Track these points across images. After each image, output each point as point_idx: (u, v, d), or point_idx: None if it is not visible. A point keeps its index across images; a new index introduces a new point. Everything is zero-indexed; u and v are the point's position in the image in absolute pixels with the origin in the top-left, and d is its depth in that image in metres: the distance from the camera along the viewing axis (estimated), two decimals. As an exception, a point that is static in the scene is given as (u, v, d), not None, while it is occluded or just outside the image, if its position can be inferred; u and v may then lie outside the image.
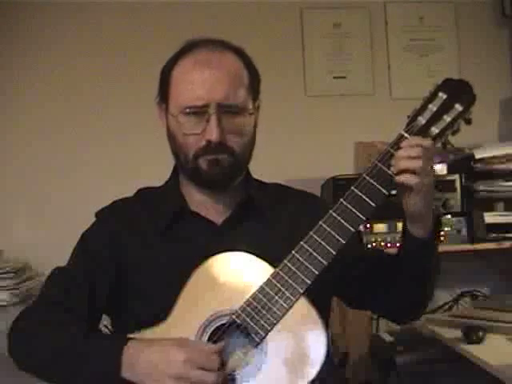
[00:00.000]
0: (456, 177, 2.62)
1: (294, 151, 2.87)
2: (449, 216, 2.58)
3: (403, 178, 1.23)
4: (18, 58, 2.80)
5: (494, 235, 2.58)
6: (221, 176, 1.37)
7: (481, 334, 2.10)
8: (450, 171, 2.63)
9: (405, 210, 1.29)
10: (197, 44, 1.39)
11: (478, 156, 2.64)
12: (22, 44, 2.80)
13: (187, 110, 1.34)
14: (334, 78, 2.99)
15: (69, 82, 2.81)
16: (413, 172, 1.23)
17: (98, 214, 1.48)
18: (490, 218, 2.60)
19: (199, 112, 1.33)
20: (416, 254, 1.32)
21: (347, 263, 1.36)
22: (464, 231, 2.58)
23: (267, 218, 1.42)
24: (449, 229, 2.56)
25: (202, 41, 1.40)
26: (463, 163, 2.66)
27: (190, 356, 1.18)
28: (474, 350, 2.02)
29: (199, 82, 1.33)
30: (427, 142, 1.24)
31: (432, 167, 1.26)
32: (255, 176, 1.50)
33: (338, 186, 2.55)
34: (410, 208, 1.27)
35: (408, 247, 1.34)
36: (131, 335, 1.26)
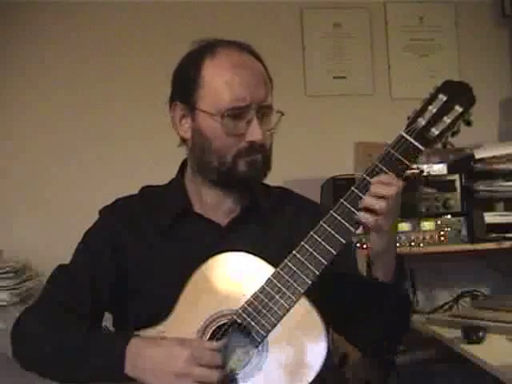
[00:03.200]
0: (456, 177, 2.62)
1: (294, 151, 2.87)
2: (449, 216, 2.59)
3: (361, 216, 1.24)
4: (17, 57, 2.80)
5: (494, 235, 2.58)
6: (257, 176, 1.38)
7: (481, 333, 2.10)
8: (450, 171, 2.63)
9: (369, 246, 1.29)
10: (220, 45, 1.38)
11: (477, 156, 2.64)
12: (22, 44, 2.80)
13: (229, 112, 1.32)
14: (334, 77, 2.99)
15: (69, 81, 2.81)
16: (375, 212, 1.23)
17: (100, 213, 1.48)
18: (490, 217, 2.60)
19: (240, 113, 1.33)
20: (374, 292, 1.31)
21: (335, 281, 1.33)
22: (464, 231, 2.58)
23: (270, 221, 1.42)
24: (449, 229, 2.56)
25: (223, 41, 1.39)
26: (463, 163, 2.66)
27: (193, 353, 1.18)
28: (474, 350, 2.02)
29: (240, 82, 1.32)
30: (399, 183, 1.23)
31: (398, 209, 1.25)
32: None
33: (338, 186, 2.55)
34: (371, 244, 1.28)
35: (366, 286, 1.33)
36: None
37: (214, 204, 1.42)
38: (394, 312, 1.36)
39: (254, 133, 1.32)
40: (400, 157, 1.26)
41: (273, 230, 1.41)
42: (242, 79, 1.33)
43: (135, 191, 1.52)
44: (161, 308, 1.27)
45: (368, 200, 1.23)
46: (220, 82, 1.33)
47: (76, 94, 2.81)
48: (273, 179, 1.54)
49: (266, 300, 1.23)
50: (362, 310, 1.34)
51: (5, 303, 2.34)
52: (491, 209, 2.67)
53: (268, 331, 1.22)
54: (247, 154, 1.34)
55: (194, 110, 1.36)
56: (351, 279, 1.38)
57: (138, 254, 1.39)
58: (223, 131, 1.33)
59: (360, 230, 1.26)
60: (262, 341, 1.22)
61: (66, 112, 2.80)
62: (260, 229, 1.41)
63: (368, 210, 1.23)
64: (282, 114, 1.40)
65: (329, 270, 1.24)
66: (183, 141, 1.43)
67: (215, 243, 1.35)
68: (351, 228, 1.24)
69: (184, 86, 1.38)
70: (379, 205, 1.22)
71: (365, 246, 2.45)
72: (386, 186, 1.23)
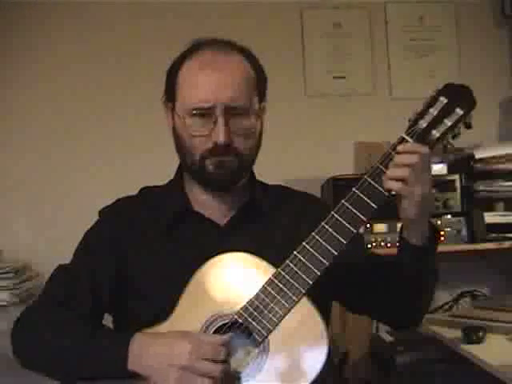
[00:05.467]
0: (456, 177, 2.62)
1: (294, 151, 2.87)
2: (449, 216, 2.59)
3: (390, 185, 1.24)
4: (18, 58, 2.80)
5: (493, 235, 2.58)
6: (227, 178, 1.37)
7: (481, 333, 2.10)
8: (450, 171, 2.64)
9: (399, 214, 1.29)
10: (203, 44, 1.39)
11: (477, 156, 2.64)
12: (22, 44, 2.80)
13: (194, 112, 1.34)
14: (334, 77, 2.99)
15: (69, 82, 2.81)
16: (402, 180, 1.23)
17: (100, 213, 1.48)
18: (490, 217, 2.60)
19: (206, 114, 1.33)
20: (409, 260, 1.32)
21: (348, 267, 1.36)
22: (464, 231, 2.58)
23: (269, 220, 1.43)
24: (449, 229, 2.56)
25: (208, 41, 1.40)
26: (463, 163, 2.66)
27: (196, 347, 1.18)
28: (474, 350, 2.02)
29: (205, 83, 1.33)
30: (424, 149, 1.24)
31: (428, 176, 1.26)
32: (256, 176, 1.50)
33: (337, 186, 2.55)
34: (402, 214, 1.28)
35: (401, 253, 1.35)
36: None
37: (208, 203, 1.42)
38: (427, 275, 1.36)
39: (217, 134, 1.32)
40: None
41: (272, 228, 1.42)
42: (207, 79, 1.33)
43: (135, 191, 1.52)
44: (161, 308, 1.27)
45: (393, 170, 1.24)
46: (188, 83, 1.36)
47: (76, 95, 2.81)
48: (273, 179, 1.54)
49: (267, 300, 1.23)
50: (390, 283, 1.36)
51: (5, 303, 2.34)
52: (491, 209, 2.67)
53: (269, 331, 1.22)
54: (213, 155, 1.34)
55: (173, 110, 1.40)
56: (369, 258, 1.43)
57: (138, 254, 1.39)
58: (188, 131, 1.35)
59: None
60: (263, 341, 1.22)
61: (66, 112, 2.80)
62: (260, 227, 1.41)
63: (393, 179, 1.24)
64: (259, 116, 1.39)
65: (346, 255, 1.25)
66: None
67: (215, 243, 1.36)
68: (352, 229, 1.25)
69: (167, 88, 1.42)
70: (405, 172, 1.22)
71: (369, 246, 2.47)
72: (409, 154, 1.24)
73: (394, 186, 1.24)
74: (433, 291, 1.43)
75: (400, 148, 1.25)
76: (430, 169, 1.26)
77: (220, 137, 1.32)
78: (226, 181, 1.38)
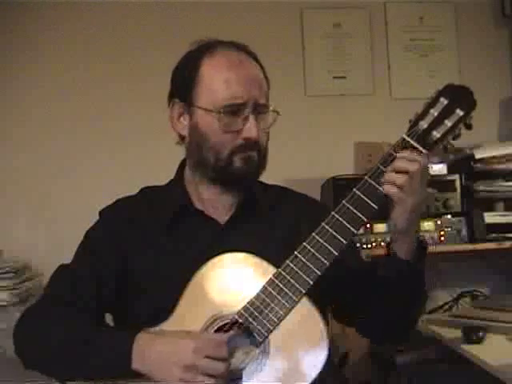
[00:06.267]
0: (456, 177, 2.62)
1: (294, 151, 2.87)
2: (449, 216, 2.59)
3: (386, 188, 1.25)
4: (18, 58, 2.79)
5: (493, 235, 2.58)
6: (252, 173, 1.39)
7: (481, 334, 2.10)
8: (450, 171, 2.63)
9: (390, 220, 1.30)
10: (218, 45, 1.41)
11: (477, 156, 2.64)
12: (22, 44, 2.80)
13: (225, 109, 1.35)
14: (334, 77, 2.98)
15: (69, 82, 2.80)
16: (398, 186, 1.24)
17: (101, 213, 1.48)
18: (490, 218, 2.60)
19: (236, 110, 1.35)
20: (394, 274, 1.32)
21: (336, 277, 1.33)
22: (464, 231, 2.58)
23: (269, 219, 1.43)
24: (449, 229, 2.56)
25: (222, 42, 1.42)
26: (463, 163, 2.66)
27: (199, 346, 1.19)
28: (474, 350, 2.02)
29: (237, 80, 1.36)
30: (424, 161, 1.25)
31: (423, 189, 1.26)
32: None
33: (338, 186, 2.55)
34: (393, 220, 1.29)
35: (387, 264, 1.34)
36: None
37: (212, 201, 1.43)
38: (412, 291, 1.35)
39: (250, 130, 1.35)
40: None
41: (272, 227, 1.42)
42: (238, 78, 1.36)
43: (135, 191, 1.52)
44: (162, 308, 1.27)
45: (390, 174, 1.25)
46: (218, 80, 1.36)
47: (76, 95, 2.81)
48: (273, 179, 1.54)
49: (268, 300, 1.23)
50: (376, 297, 1.34)
51: (5, 303, 2.34)
52: (491, 209, 2.67)
53: (269, 331, 1.22)
54: (242, 151, 1.36)
55: (192, 107, 1.39)
56: (360, 269, 1.41)
57: (139, 254, 1.39)
58: (220, 127, 1.36)
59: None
60: (264, 341, 1.22)
61: (67, 112, 2.80)
62: (259, 226, 1.42)
63: (391, 184, 1.25)
64: (278, 114, 1.42)
65: (336, 264, 1.25)
66: (181, 139, 1.45)
67: (216, 242, 1.36)
68: (352, 229, 1.25)
69: (182, 84, 1.41)
70: (401, 179, 1.23)
71: (364, 247, 2.46)
72: (409, 161, 1.24)
73: (390, 190, 1.25)
74: (418, 308, 1.43)
75: (402, 153, 1.25)
76: (426, 181, 1.27)
77: (253, 133, 1.35)
78: (251, 176, 1.40)
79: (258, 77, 1.40)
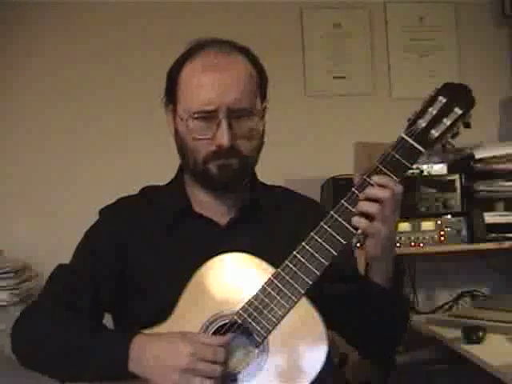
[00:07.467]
0: (456, 177, 2.62)
1: (294, 151, 2.87)
2: (449, 216, 2.58)
3: (354, 221, 1.24)
4: (18, 58, 2.79)
5: (493, 235, 2.58)
6: (230, 180, 1.37)
7: (481, 334, 2.10)
8: (450, 171, 2.63)
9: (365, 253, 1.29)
10: (204, 45, 1.38)
11: (477, 156, 2.64)
12: (22, 45, 2.80)
13: (196, 115, 1.33)
14: (334, 77, 2.98)
15: (69, 82, 2.81)
16: (369, 216, 1.23)
17: (101, 212, 1.48)
18: (490, 218, 2.60)
19: (209, 116, 1.33)
20: (371, 298, 1.32)
21: (331, 279, 1.32)
22: (464, 231, 2.57)
23: (269, 220, 1.43)
24: (449, 229, 2.56)
25: (208, 42, 1.39)
26: (463, 163, 2.66)
27: (196, 349, 1.18)
28: (474, 350, 2.02)
29: (208, 85, 1.32)
30: (398, 188, 1.24)
31: (395, 217, 1.25)
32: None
33: (338, 186, 2.55)
34: (367, 248, 1.28)
35: (364, 289, 1.33)
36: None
37: (208, 204, 1.42)
38: (393, 316, 1.36)
39: (220, 137, 1.32)
40: (400, 158, 1.26)
41: (273, 229, 1.42)
42: (210, 82, 1.32)
43: (135, 191, 1.52)
44: (161, 308, 1.27)
45: (362, 203, 1.24)
46: (191, 85, 1.35)
47: (76, 94, 2.81)
48: (273, 179, 1.54)
49: (267, 300, 1.23)
50: (362, 312, 1.34)
51: (5, 303, 2.34)
52: (491, 209, 2.67)
53: (268, 331, 1.22)
54: (217, 158, 1.34)
55: (175, 111, 1.39)
56: (351, 281, 1.39)
57: (139, 254, 1.39)
58: (191, 134, 1.34)
59: (360, 231, 1.26)
60: (263, 341, 1.22)
61: (66, 112, 2.80)
62: (260, 228, 1.41)
63: (363, 214, 1.23)
64: (265, 109, 1.39)
65: (329, 271, 1.24)
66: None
67: (215, 243, 1.35)
68: (352, 229, 1.25)
69: (168, 87, 1.41)
70: (373, 208, 1.23)
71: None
72: (381, 188, 1.23)
73: (362, 223, 1.23)
74: (398, 330, 1.42)
75: (375, 179, 1.24)
76: (398, 208, 1.25)
77: (224, 140, 1.31)
78: (229, 183, 1.37)
79: (238, 80, 1.33)
